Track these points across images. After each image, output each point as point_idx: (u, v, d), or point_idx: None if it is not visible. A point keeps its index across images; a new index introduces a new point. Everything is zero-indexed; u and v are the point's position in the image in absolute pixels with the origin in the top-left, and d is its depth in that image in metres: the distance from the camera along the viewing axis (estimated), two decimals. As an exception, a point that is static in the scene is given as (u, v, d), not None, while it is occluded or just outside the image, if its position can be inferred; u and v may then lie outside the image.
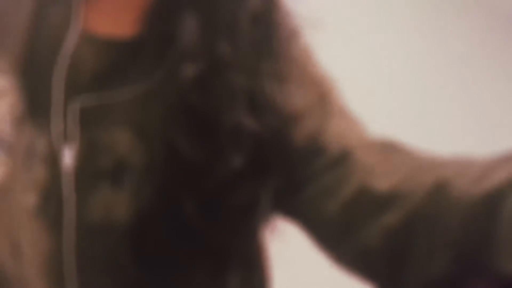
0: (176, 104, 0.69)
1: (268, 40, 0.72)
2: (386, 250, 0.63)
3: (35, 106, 0.70)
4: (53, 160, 0.69)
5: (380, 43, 2.13)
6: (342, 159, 0.67)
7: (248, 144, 0.68)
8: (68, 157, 0.68)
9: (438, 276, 0.59)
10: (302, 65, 0.74)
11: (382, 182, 0.63)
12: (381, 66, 2.11)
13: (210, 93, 0.69)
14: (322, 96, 0.72)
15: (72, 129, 0.69)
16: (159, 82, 0.70)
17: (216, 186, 0.68)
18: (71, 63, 0.70)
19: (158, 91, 0.69)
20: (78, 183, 0.68)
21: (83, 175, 0.68)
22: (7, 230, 0.71)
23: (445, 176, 0.59)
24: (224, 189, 0.68)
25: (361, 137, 0.70)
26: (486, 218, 0.55)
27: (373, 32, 2.12)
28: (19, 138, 0.70)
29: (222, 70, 0.69)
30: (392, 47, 2.15)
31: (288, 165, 0.70)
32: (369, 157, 0.67)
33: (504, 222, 0.53)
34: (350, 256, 0.67)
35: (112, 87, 0.70)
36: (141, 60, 0.71)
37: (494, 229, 0.54)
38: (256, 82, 0.69)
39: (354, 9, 2.09)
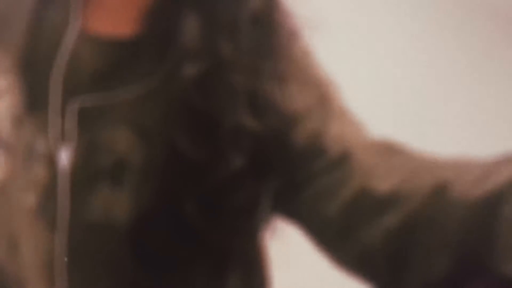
0: (176, 103, 0.69)
1: (268, 40, 0.72)
2: (386, 252, 0.62)
3: (34, 106, 0.70)
4: (52, 160, 0.69)
5: (381, 44, 2.13)
6: (342, 160, 0.67)
7: (248, 144, 0.68)
8: (64, 157, 0.68)
9: (438, 277, 0.59)
10: (303, 66, 0.74)
11: (382, 184, 0.63)
12: (381, 67, 2.11)
13: (211, 93, 0.69)
14: (323, 97, 0.72)
15: (70, 129, 0.69)
16: (159, 81, 0.70)
17: (216, 186, 0.68)
18: (70, 63, 0.70)
19: (159, 91, 0.69)
20: (76, 183, 0.68)
21: (81, 175, 0.68)
22: (6, 230, 0.71)
23: (445, 178, 0.59)
24: (224, 189, 0.68)
25: (361, 139, 0.70)
26: (486, 220, 0.55)
27: (373, 33, 2.12)
28: (19, 138, 0.70)
29: (223, 70, 0.69)
30: (393, 48, 2.15)
31: (288, 166, 0.70)
32: (369, 159, 0.67)
33: (504, 224, 0.53)
34: (350, 257, 0.67)
35: (112, 87, 0.69)
36: (142, 60, 0.71)
37: (494, 231, 0.54)
38: (256, 82, 0.69)
39: (354, 10, 2.09)
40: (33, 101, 0.70)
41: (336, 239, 0.68)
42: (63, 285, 0.69)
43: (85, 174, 0.69)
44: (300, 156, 0.69)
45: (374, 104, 1.75)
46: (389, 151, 0.67)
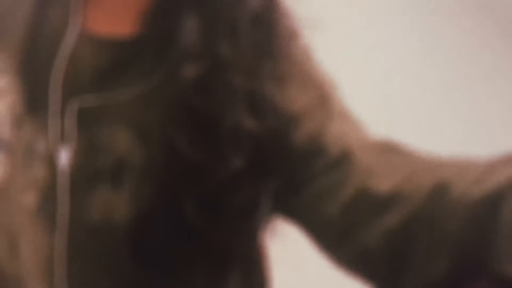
0: (176, 104, 0.69)
1: (268, 41, 0.72)
2: (386, 252, 0.62)
3: (34, 106, 0.70)
4: (51, 160, 0.69)
5: (380, 44, 2.13)
6: (342, 160, 0.67)
7: (248, 145, 0.68)
8: (64, 157, 0.68)
9: (438, 278, 0.58)
10: (302, 65, 0.74)
11: (382, 184, 0.63)
12: (381, 67, 2.11)
13: (210, 93, 0.69)
14: (322, 97, 0.72)
15: (69, 129, 0.69)
16: (159, 82, 0.69)
17: (216, 186, 0.67)
18: (70, 63, 0.70)
19: (158, 91, 0.69)
20: (75, 183, 0.68)
21: (81, 175, 0.68)
22: (5, 229, 0.71)
23: (445, 178, 0.59)
24: (224, 189, 0.68)
25: (361, 138, 0.70)
26: (486, 220, 0.54)
27: (373, 33, 2.12)
28: (19, 138, 0.70)
29: (223, 71, 0.69)
30: (392, 48, 2.15)
31: (288, 166, 0.70)
32: (369, 158, 0.66)
33: (504, 224, 0.53)
34: (350, 257, 0.67)
35: (112, 87, 0.69)
36: (141, 60, 0.70)
37: (494, 231, 0.54)
38: (256, 82, 0.69)
39: (354, 9, 2.09)
40: (33, 101, 0.70)
41: (336, 239, 0.67)
42: (63, 285, 0.69)
43: (85, 174, 0.69)
44: (300, 156, 0.69)
45: (373, 104, 1.75)
46: (389, 151, 0.67)
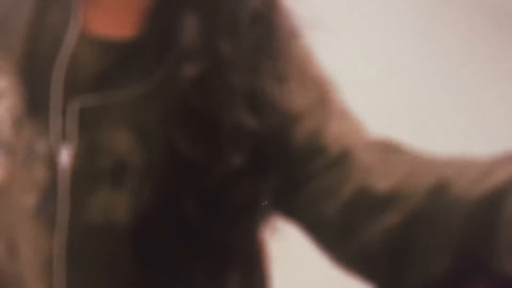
0: (176, 103, 0.69)
1: (268, 40, 0.72)
2: (386, 251, 0.62)
3: (35, 106, 0.70)
4: (52, 161, 0.69)
5: (380, 43, 2.13)
6: (342, 159, 0.67)
7: (248, 143, 0.68)
8: (65, 157, 0.68)
9: (439, 277, 0.58)
10: (302, 65, 0.74)
11: (382, 182, 0.63)
12: (381, 66, 2.11)
13: (211, 92, 0.69)
14: (322, 96, 0.72)
15: (70, 130, 0.69)
16: (159, 82, 0.70)
17: (216, 185, 0.68)
18: (71, 63, 0.70)
19: (159, 92, 0.69)
20: (76, 183, 0.68)
21: (82, 175, 0.68)
22: (5, 230, 0.71)
23: (445, 176, 0.59)
24: (224, 188, 0.68)
25: (361, 137, 0.70)
26: (486, 218, 0.54)
27: (373, 33, 2.12)
28: (19, 139, 0.70)
29: (223, 70, 0.69)
30: (392, 47, 2.15)
31: (287, 165, 0.70)
32: (369, 157, 0.66)
33: (504, 222, 0.53)
34: (350, 257, 0.67)
35: (112, 88, 0.69)
36: (142, 61, 0.71)
37: (495, 229, 0.54)
38: (256, 81, 0.69)
39: (354, 9, 2.09)
40: (34, 102, 0.71)
41: (335, 238, 0.67)
42: (62, 285, 0.68)
43: (86, 175, 0.69)
44: (300, 154, 0.69)
45: (374, 103, 1.75)
46: (389, 149, 0.67)
